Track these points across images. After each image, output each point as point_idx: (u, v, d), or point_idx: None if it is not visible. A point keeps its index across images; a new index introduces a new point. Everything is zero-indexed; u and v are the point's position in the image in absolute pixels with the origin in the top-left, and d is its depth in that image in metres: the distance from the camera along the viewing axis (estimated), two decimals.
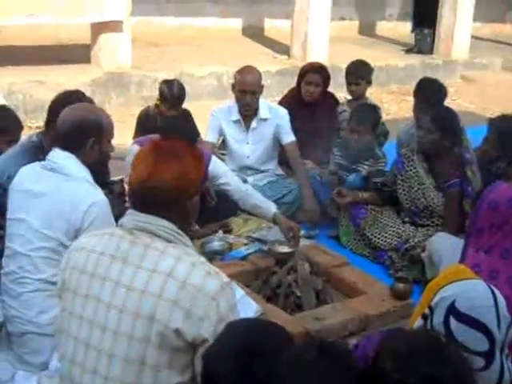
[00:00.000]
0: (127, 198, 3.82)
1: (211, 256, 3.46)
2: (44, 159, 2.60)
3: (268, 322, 1.68)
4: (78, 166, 2.52)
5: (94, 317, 1.78)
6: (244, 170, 4.39)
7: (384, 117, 4.82)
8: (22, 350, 2.54)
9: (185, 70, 7.57)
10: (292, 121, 4.38)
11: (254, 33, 10.22)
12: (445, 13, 9.87)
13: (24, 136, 3.58)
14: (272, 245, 3.45)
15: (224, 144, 4.51)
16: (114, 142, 2.75)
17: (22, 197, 2.55)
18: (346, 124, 4.45)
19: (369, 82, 4.73)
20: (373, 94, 4.91)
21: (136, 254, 1.78)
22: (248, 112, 4.27)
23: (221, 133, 4.37)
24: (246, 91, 4.17)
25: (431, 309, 1.82)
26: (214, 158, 3.75)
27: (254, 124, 4.34)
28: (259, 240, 3.77)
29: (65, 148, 2.52)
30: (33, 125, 6.03)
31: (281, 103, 4.78)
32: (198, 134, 4.22)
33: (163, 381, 1.72)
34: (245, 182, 4.12)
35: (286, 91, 5.19)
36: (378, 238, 3.86)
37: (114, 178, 4.21)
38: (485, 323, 1.74)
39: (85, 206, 2.42)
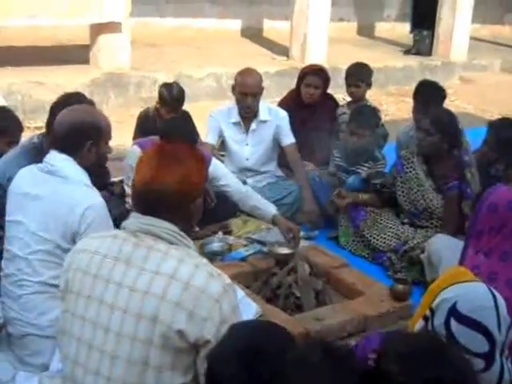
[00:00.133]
0: (127, 200, 3.85)
1: (211, 257, 3.47)
2: None
3: (271, 323, 1.69)
4: (75, 169, 2.52)
5: (96, 318, 1.79)
6: (243, 171, 4.40)
7: (383, 118, 4.83)
8: (23, 352, 2.54)
9: (183, 71, 7.58)
10: (291, 122, 4.39)
11: (253, 34, 10.23)
12: (444, 14, 9.89)
13: (24, 137, 3.59)
14: (272, 246, 3.47)
15: (223, 145, 4.51)
16: (112, 142, 2.76)
17: (20, 199, 2.55)
18: (345, 126, 4.47)
19: (368, 85, 4.74)
20: (371, 95, 4.91)
21: (139, 255, 1.80)
22: (249, 114, 4.29)
23: (220, 134, 4.38)
24: (247, 93, 4.19)
25: (432, 310, 1.83)
26: (213, 159, 3.76)
27: (253, 126, 4.35)
28: (259, 241, 3.78)
29: (62, 150, 2.52)
30: (31, 125, 6.03)
31: (280, 105, 4.79)
32: (197, 135, 4.23)
33: (166, 382, 1.73)
34: (244, 183, 4.13)
35: (284, 92, 5.20)
36: (377, 240, 3.87)
37: (114, 179, 4.22)
38: (485, 325, 1.76)
39: (81, 209, 2.42)
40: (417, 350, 1.49)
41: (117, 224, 2.68)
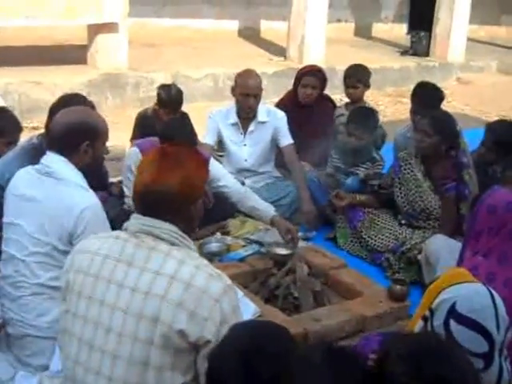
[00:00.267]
0: (125, 200, 3.85)
1: (209, 257, 3.47)
2: None
3: (271, 323, 1.70)
4: (71, 170, 2.51)
5: (98, 318, 1.80)
6: (241, 172, 4.41)
7: (380, 119, 4.84)
8: (22, 352, 2.55)
9: (181, 71, 7.58)
10: (289, 123, 4.40)
11: (250, 34, 10.24)
12: (441, 15, 9.92)
13: (22, 137, 3.59)
14: (270, 247, 3.48)
15: (221, 146, 4.52)
16: (109, 143, 2.76)
17: (16, 201, 2.55)
18: (343, 127, 4.48)
19: (367, 86, 4.75)
20: (369, 96, 4.93)
21: (141, 256, 1.81)
22: (249, 115, 4.30)
23: (218, 135, 4.39)
24: (249, 94, 4.20)
25: (431, 311, 1.85)
26: (212, 160, 3.77)
27: (251, 127, 4.36)
28: (257, 242, 3.78)
29: (58, 151, 2.51)
30: (28, 125, 6.02)
31: (278, 106, 4.80)
32: (195, 136, 4.24)
33: (166, 381, 1.74)
34: (242, 184, 4.14)
35: (282, 93, 5.21)
36: (375, 241, 3.88)
37: (112, 179, 4.22)
38: (484, 325, 1.77)
39: (77, 211, 2.42)
40: (420, 350, 1.50)
41: (114, 225, 2.69)
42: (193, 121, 4.43)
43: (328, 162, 4.48)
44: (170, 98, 4.52)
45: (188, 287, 1.74)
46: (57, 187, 2.47)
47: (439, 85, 4.76)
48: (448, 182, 3.71)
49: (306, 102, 4.68)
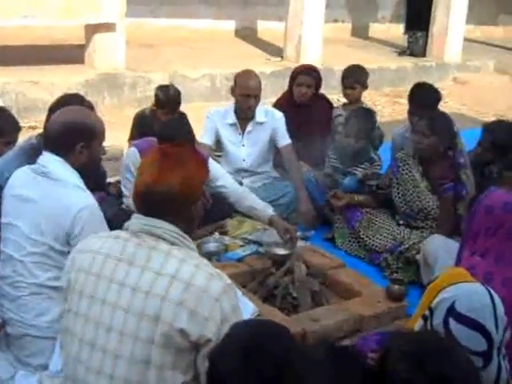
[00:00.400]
0: (124, 200, 3.85)
1: (207, 257, 3.47)
2: None
3: (271, 322, 1.71)
4: (68, 171, 2.51)
5: (99, 317, 1.81)
6: (239, 172, 4.41)
7: (378, 119, 4.86)
8: (22, 352, 2.54)
9: (178, 71, 7.58)
10: (286, 123, 4.41)
11: (247, 35, 10.25)
12: (438, 15, 9.94)
13: (21, 137, 3.59)
14: (269, 246, 3.49)
15: (219, 146, 4.53)
16: (107, 142, 2.77)
17: (13, 201, 2.55)
18: (341, 128, 4.49)
19: (364, 87, 4.77)
20: (366, 96, 4.94)
21: (141, 256, 1.82)
22: (248, 115, 4.31)
23: (216, 135, 4.39)
24: (250, 95, 4.21)
25: (431, 310, 1.87)
26: (210, 160, 3.77)
27: (249, 127, 4.37)
28: (255, 242, 3.79)
29: (53, 151, 2.52)
30: (25, 125, 6.02)
31: (275, 106, 4.80)
32: (194, 136, 4.24)
33: (167, 380, 1.76)
34: (240, 184, 4.15)
35: (279, 93, 5.21)
36: (373, 240, 3.89)
37: (110, 179, 4.23)
38: (483, 324, 1.79)
39: (74, 212, 2.42)
40: (422, 347, 1.52)
41: (112, 224, 2.70)
42: (190, 121, 4.43)
43: (326, 162, 4.49)
44: (168, 98, 4.52)
45: (188, 286, 1.76)
46: (53, 187, 2.47)
47: (436, 85, 4.78)
48: (445, 182, 3.72)
49: (301, 101, 4.68)
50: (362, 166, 4.29)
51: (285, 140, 4.37)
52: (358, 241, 3.98)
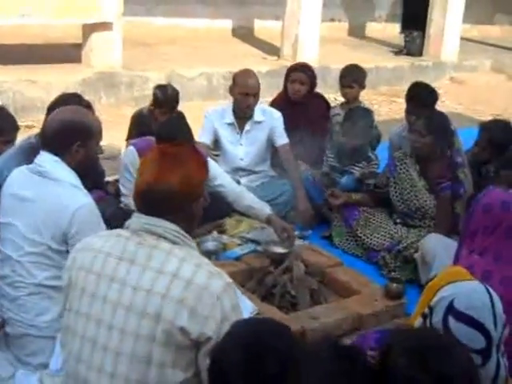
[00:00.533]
0: (122, 199, 3.86)
1: (206, 256, 3.47)
2: None
3: (272, 320, 1.72)
4: (65, 170, 2.51)
5: (100, 316, 1.82)
6: (237, 171, 4.42)
7: (375, 119, 4.86)
8: (22, 352, 2.55)
9: (175, 70, 7.58)
10: (283, 122, 4.42)
11: (244, 34, 10.25)
12: (435, 15, 9.97)
13: (19, 136, 3.59)
14: (267, 245, 3.50)
15: (217, 145, 4.53)
16: (104, 141, 2.77)
17: (11, 201, 2.55)
18: (339, 127, 4.50)
19: (362, 86, 4.78)
20: (362, 95, 4.95)
21: (143, 254, 1.83)
22: (247, 114, 4.32)
23: (214, 134, 4.40)
24: (249, 94, 4.22)
25: (430, 308, 1.88)
26: (208, 159, 3.77)
27: (247, 126, 4.37)
28: (253, 241, 3.80)
29: (50, 150, 2.52)
30: (23, 124, 6.01)
31: (271, 105, 4.81)
32: (192, 136, 4.25)
33: (168, 378, 1.77)
34: (238, 183, 4.15)
35: (276, 92, 5.22)
36: (371, 239, 3.91)
37: (108, 178, 4.23)
38: (482, 322, 1.80)
39: (71, 211, 2.42)
40: (423, 344, 1.53)
41: (111, 223, 2.70)
42: (188, 120, 4.44)
43: (324, 161, 4.50)
44: (166, 98, 4.52)
45: (189, 285, 1.76)
46: (50, 187, 2.48)
47: (433, 84, 4.79)
48: (443, 181, 3.73)
49: (296, 98, 4.69)
50: (360, 165, 4.30)
51: (283, 139, 4.38)
52: (356, 239, 3.99)
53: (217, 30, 9.97)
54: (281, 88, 5.02)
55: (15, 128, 3.56)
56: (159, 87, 4.63)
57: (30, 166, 2.56)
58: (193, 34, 9.56)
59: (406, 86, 4.70)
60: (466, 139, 4.30)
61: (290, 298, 3.08)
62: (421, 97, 4.31)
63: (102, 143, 2.72)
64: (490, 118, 5.91)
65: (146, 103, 4.98)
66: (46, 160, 2.51)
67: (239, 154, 4.42)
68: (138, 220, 1.90)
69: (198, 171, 1.94)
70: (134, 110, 5.06)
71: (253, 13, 10.38)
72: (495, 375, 1.80)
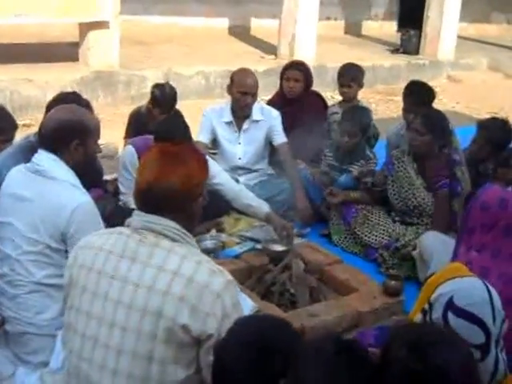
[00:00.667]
0: (120, 197, 3.86)
1: (204, 254, 3.49)
2: None
3: (274, 317, 1.74)
4: (63, 169, 2.52)
5: (102, 313, 1.83)
6: (235, 169, 4.42)
7: (373, 117, 4.87)
8: (22, 350, 2.55)
9: (172, 69, 7.58)
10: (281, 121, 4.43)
11: (240, 32, 10.25)
12: (431, 13, 9.97)
13: (17, 135, 3.59)
14: (266, 243, 3.51)
15: (215, 144, 4.53)
16: (101, 140, 2.79)
17: (9, 200, 2.56)
18: (336, 125, 4.51)
19: (360, 85, 4.79)
20: (360, 94, 4.96)
21: (144, 252, 1.84)
22: (245, 113, 4.32)
23: (212, 133, 4.40)
24: (247, 93, 4.22)
25: (430, 304, 1.90)
26: (207, 158, 3.77)
27: (245, 125, 4.38)
28: (252, 239, 3.81)
29: (48, 149, 2.52)
30: (20, 122, 5.99)
31: (268, 104, 4.82)
32: (190, 134, 4.26)
33: (170, 375, 1.78)
34: (236, 181, 4.16)
35: (273, 91, 5.23)
36: (369, 237, 3.92)
37: (106, 176, 4.23)
38: (481, 318, 1.82)
39: (69, 210, 2.43)
40: (424, 336, 1.55)
41: (109, 221, 2.71)
42: (185, 118, 4.45)
43: (322, 160, 4.51)
44: (164, 96, 4.52)
45: (190, 282, 1.78)
46: (48, 186, 2.48)
47: (430, 83, 4.79)
48: (441, 179, 3.74)
49: (291, 96, 4.70)
50: (358, 163, 4.31)
51: (281, 138, 4.39)
52: (354, 237, 4.00)
53: (213, 29, 9.97)
54: (277, 87, 5.03)
55: (14, 127, 3.57)
56: (157, 86, 4.63)
57: (28, 164, 2.56)
58: (190, 33, 9.55)
59: (402, 85, 4.70)
60: (463, 137, 4.32)
61: (289, 296, 3.09)
62: (418, 95, 4.32)
63: (99, 142, 2.73)
64: (487, 116, 5.91)
65: (143, 102, 4.99)
66: (44, 159, 2.52)
67: (237, 153, 4.43)
68: (138, 218, 1.91)
69: (199, 171, 1.95)
70: (131, 109, 5.06)
71: (249, 11, 10.38)
72: (494, 370, 1.82)
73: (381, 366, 1.52)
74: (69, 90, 5.35)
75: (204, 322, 1.76)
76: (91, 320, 1.84)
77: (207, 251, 3.59)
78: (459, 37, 10.49)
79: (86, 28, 7.13)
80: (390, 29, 11.40)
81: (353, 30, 11.59)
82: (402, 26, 10.46)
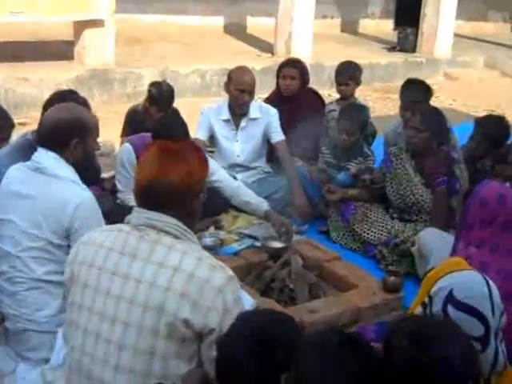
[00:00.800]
0: (118, 195, 3.85)
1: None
2: None
3: (277, 311, 1.74)
4: (63, 166, 2.53)
5: (103, 309, 1.83)
6: (233, 167, 4.42)
7: (370, 115, 4.87)
8: (22, 347, 2.56)
9: (168, 67, 7.57)
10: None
11: (237, 31, 10.24)
12: (428, 11, 9.99)
13: (13, 134, 3.58)
14: (265, 240, 3.51)
15: (212, 142, 4.53)
16: (98, 138, 2.77)
17: (9, 198, 2.56)
18: (334, 123, 4.50)
19: (358, 83, 4.79)
20: (357, 92, 4.96)
21: (144, 249, 1.85)
22: (243, 111, 4.31)
23: (210, 131, 4.40)
24: (245, 90, 4.22)
25: (430, 297, 1.91)
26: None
27: (243, 123, 4.37)
28: (250, 236, 3.80)
29: (48, 147, 2.53)
30: (15, 121, 5.97)
31: (265, 103, 4.81)
32: (188, 132, 4.25)
33: (172, 369, 1.78)
34: (234, 179, 4.15)
35: (269, 89, 5.23)
36: (368, 234, 3.92)
37: (104, 174, 4.22)
38: (480, 310, 1.84)
39: (72, 207, 2.44)
40: (425, 328, 1.58)
41: (107, 219, 2.70)
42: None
43: (320, 158, 4.51)
44: (162, 95, 4.51)
45: (191, 278, 1.78)
46: (50, 183, 2.49)
47: (426, 80, 4.79)
48: (439, 176, 3.74)
49: (288, 93, 4.69)
50: (356, 160, 4.31)
51: (278, 136, 4.38)
52: (353, 234, 4.00)
53: (209, 27, 9.96)
54: (275, 85, 5.03)
55: (11, 125, 3.56)
56: (154, 84, 4.62)
57: (28, 163, 2.57)
58: (186, 31, 9.54)
59: (399, 83, 4.71)
60: (461, 135, 4.32)
61: (288, 292, 3.09)
62: (415, 93, 4.31)
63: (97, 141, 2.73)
64: (484, 113, 5.94)
65: (139, 100, 4.97)
66: (44, 157, 2.53)
67: (235, 151, 4.43)
68: (139, 215, 1.91)
69: (200, 167, 1.96)
70: (127, 107, 5.05)
71: (246, 10, 10.38)
72: (494, 361, 1.83)
73: (383, 357, 1.53)
74: (64, 88, 5.34)
75: (205, 317, 1.76)
76: (93, 316, 1.84)
77: (206, 248, 3.55)
78: (456, 35, 10.52)
79: (81, 26, 7.12)
80: (386, 27, 11.41)
81: (349, 28, 11.60)
82: (399, 23, 10.46)
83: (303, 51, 8.51)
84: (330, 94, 7.19)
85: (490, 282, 1.94)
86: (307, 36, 8.75)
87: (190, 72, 7.74)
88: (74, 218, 2.44)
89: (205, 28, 9.86)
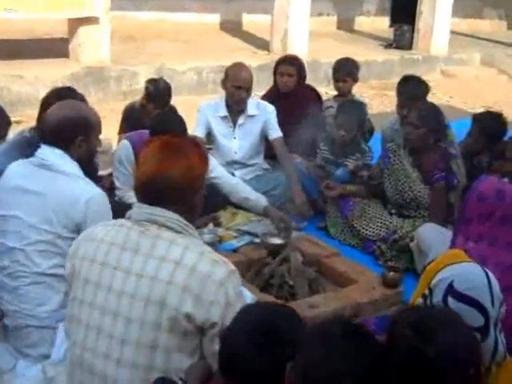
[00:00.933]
0: (116, 192, 3.85)
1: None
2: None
3: (279, 304, 1.75)
4: (69, 163, 2.53)
5: (105, 304, 1.83)
6: (231, 164, 4.42)
7: (368, 112, 4.87)
8: (22, 343, 2.55)
9: (165, 64, 7.56)
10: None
11: (233, 28, 10.23)
12: (424, 8, 10.00)
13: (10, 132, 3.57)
14: (264, 236, 3.51)
15: (210, 138, 4.52)
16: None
17: (11, 193, 2.55)
18: (332, 119, 4.50)
19: (355, 80, 4.79)
20: (354, 89, 4.97)
21: (146, 244, 1.85)
22: (240, 107, 4.31)
23: (208, 128, 4.39)
24: (242, 87, 4.21)
25: (430, 289, 1.92)
26: None
27: (241, 120, 4.37)
28: (249, 233, 3.80)
29: (53, 144, 2.53)
30: (12, 119, 5.96)
31: (262, 100, 4.81)
32: (186, 129, 4.25)
33: (174, 363, 1.79)
34: (232, 175, 4.15)
35: (266, 86, 5.23)
36: (366, 230, 3.92)
37: (101, 172, 4.21)
38: (480, 301, 1.85)
39: (83, 202, 2.45)
40: (427, 318, 1.60)
41: None
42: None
43: (318, 154, 4.51)
44: (159, 92, 4.50)
45: (192, 272, 1.78)
46: (56, 179, 2.49)
47: (423, 77, 4.79)
48: (436, 172, 3.75)
49: (285, 90, 4.70)
50: (353, 157, 4.31)
51: (276, 133, 4.38)
52: (351, 230, 4.00)
53: (205, 25, 9.94)
54: (271, 82, 5.03)
55: (7, 123, 3.56)
56: (151, 81, 4.61)
57: (31, 159, 2.58)
58: (182, 29, 9.52)
59: (396, 80, 4.70)
60: (458, 131, 4.33)
61: (288, 288, 3.09)
62: (412, 89, 4.31)
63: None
64: (481, 110, 5.94)
65: (134, 97, 4.96)
66: (50, 153, 2.53)
67: (233, 148, 4.42)
68: (139, 210, 1.92)
69: (200, 163, 1.97)
70: (123, 105, 5.04)
71: (242, 7, 10.36)
72: (494, 350, 1.85)
73: (387, 346, 1.54)
74: (60, 86, 5.32)
75: (208, 311, 1.77)
76: (94, 310, 1.84)
77: None
78: (452, 32, 10.52)
79: (76, 24, 7.09)
80: (381, 24, 11.42)
81: (345, 25, 11.60)
82: (395, 21, 10.47)
83: (299, 48, 8.50)
84: (326, 91, 7.18)
85: (490, 274, 1.96)
86: (303, 33, 8.75)
87: (187, 69, 7.73)
88: (86, 213, 2.45)
89: (201, 25, 9.84)
